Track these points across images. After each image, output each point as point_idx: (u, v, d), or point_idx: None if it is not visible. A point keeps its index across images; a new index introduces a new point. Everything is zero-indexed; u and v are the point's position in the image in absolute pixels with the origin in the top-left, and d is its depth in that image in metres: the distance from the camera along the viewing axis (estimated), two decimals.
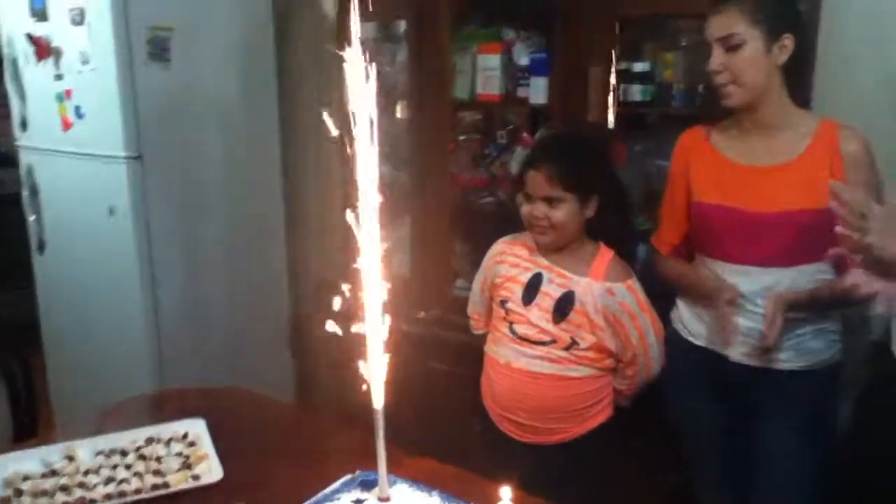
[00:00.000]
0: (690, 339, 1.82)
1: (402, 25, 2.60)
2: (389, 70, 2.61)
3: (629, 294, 1.79)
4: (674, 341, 1.85)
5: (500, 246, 1.96)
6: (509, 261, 1.90)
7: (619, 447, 1.87)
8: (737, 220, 1.69)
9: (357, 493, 1.29)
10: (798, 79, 1.70)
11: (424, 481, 1.35)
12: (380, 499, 1.26)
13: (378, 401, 1.23)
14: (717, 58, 1.61)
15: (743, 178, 1.69)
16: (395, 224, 2.70)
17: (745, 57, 1.59)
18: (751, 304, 1.67)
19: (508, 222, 2.27)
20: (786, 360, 1.69)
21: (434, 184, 2.43)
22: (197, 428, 1.62)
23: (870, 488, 1.53)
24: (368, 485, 1.30)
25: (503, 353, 1.85)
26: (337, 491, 1.30)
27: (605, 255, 1.83)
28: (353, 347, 1.25)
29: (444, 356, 2.41)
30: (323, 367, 3.11)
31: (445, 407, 2.28)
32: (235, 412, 1.75)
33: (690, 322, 1.83)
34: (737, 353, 1.70)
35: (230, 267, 2.95)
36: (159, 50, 2.66)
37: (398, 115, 2.73)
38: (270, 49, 2.99)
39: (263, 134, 3.01)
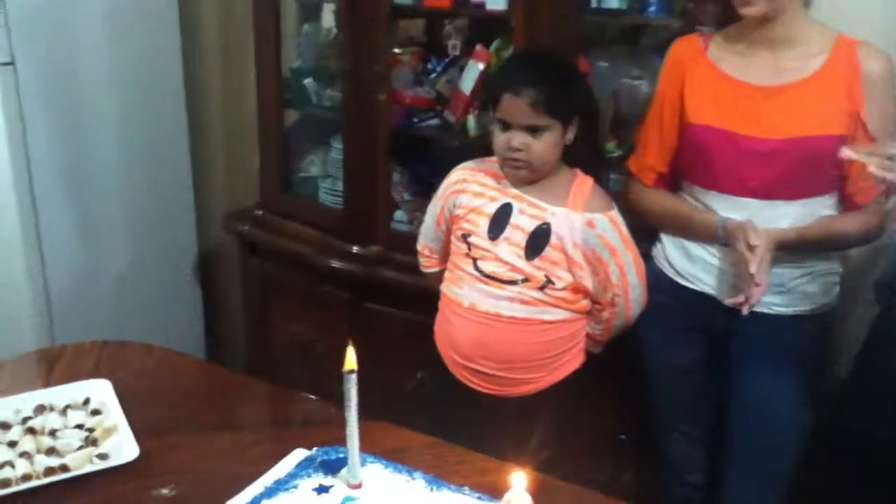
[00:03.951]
0: (676, 278, 1.65)
1: None
2: None
3: (611, 227, 1.58)
4: (657, 281, 1.67)
5: (460, 173, 1.73)
6: (472, 189, 1.67)
7: (590, 397, 1.70)
8: (734, 145, 1.52)
9: (319, 478, 1.03)
10: None
11: (396, 458, 1.10)
12: (350, 485, 1.01)
13: (351, 361, 0.97)
14: None
15: (745, 98, 1.52)
16: (324, 148, 2.40)
17: None
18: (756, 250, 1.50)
19: (458, 148, 2.04)
20: (780, 304, 1.56)
21: (369, 103, 2.12)
22: (101, 392, 1.32)
23: (871, 432, 1.46)
24: (333, 467, 1.05)
25: (467, 295, 1.63)
26: (293, 476, 1.04)
27: (584, 182, 1.62)
28: None
29: (383, 297, 2.15)
30: (234, 302, 2.83)
31: (384, 353, 2.04)
32: (147, 374, 1.45)
33: (677, 260, 1.65)
34: (732, 295, 1.53)
35: (125, 193, 2.58)
36: None
37: (325, 23, 2.41)
38: None
39: (161, 44, 2.61)
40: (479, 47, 2.04)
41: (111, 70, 2.48)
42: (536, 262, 1.58)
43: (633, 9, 1.88)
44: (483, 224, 1.63)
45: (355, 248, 2.20)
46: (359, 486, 1.01)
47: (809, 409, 1.60)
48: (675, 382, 1.74)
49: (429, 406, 1.80)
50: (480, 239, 1.63)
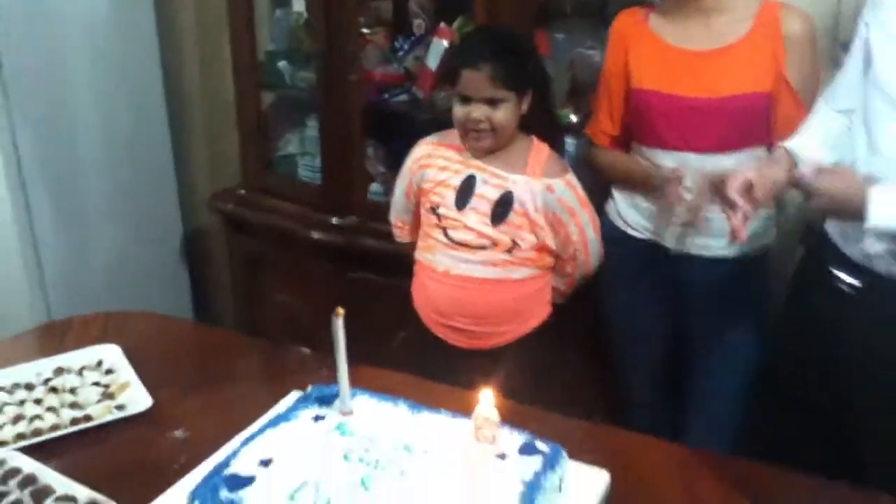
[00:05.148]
0: (628, 230, 1.80)
1: None
2: None
3: (568, 190, 1.72)
4: (611, 234, 1.81)
5: (424, 148, 1.83)
6: (437, 164, 1.78)
7: (560, 344, 1.84)
8: (676, 106, 1.65)
9: (315, 410, 1.17)
10: None
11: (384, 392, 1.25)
12: (342, 413, 1.16)
13: (339, 311, 1.11)
14: None
15: (682, 63, 1.65)
16: (300, 127, 2.52)
17: None
18: (689, 193, 1.64)
19: (427, 122, 2.16)
20: (720, 247, 1.68)
21: (342, 82, 2.24)
22: (112, 354, 1.45)
23: (805, 360, 1.57)
24: (326, 400, 1.19)
25: (441, 261, 1.76)
26: (292, 409, 1.18)
27: (541, 150, 1.74)
28: None
29: (364, 265, 2.29)
30: (221, 281, 2.95)
31: (367, 317, 2.17)
32: (151, 338, 1.58)
33: (628, 213, 1.79)
34: (676, 241, 1.69)
35: (110, 180, 2.67)
36: None
37: (296, 7, 2.51)
38: None
39: (138, 34, 2.70)
40: (442, 25, 2.16)
41: (92, 61, 2.55)
42: (502, 227, 1.70)
43: None
44: (450, 196, 1.74)
45: (335, 220, 2.33)
46: (350, 414, 1.15)
47: (759, 348, 1.73)
48: (634, 327, 1.87)
49: (410, 362, 1.94)
50: (448, 210, 1.73)
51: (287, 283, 2.54)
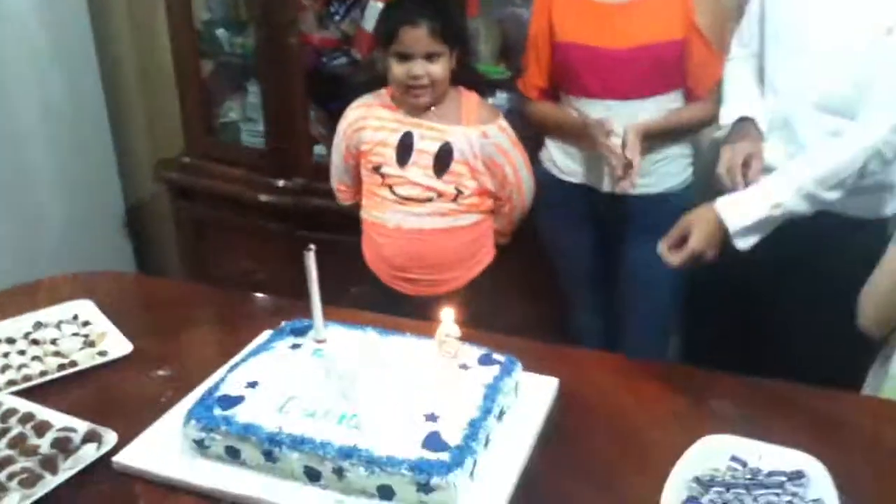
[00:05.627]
0: (561, 176, 1.95)
1: None
2: None
3: (501, 133, 1.85)
4: (545, 179, 1.96)
5: (357, 112, 1.90)
6: (372, 125, 1.86)
7: (507, 282, 1.99)
8: (595, 56, 1.79)
9: (291, 340, 1.29)
10: None
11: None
12: (316, 340, 1.27)
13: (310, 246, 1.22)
14: None
15: (600, 16, 1.78)
16: (240, 94, 2.58)
17: None
18: (616, 136, 1.80)
19: (367, 83, 2.24)
20: (646, 185, 1.85)
21: (282, 48, 2.31)
22: (85, 309, 1.53)
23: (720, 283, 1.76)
24: (300, 331, 1.30)
25: (391, 218, 1.85)
26: (269, 341, 1.29)
27: (470, 99, 1.86)
28: None
29: (313, 225, 2.38)
30: (166, 250, 2.99)
31: (319, 274, 2.27)
32: (122, 293, 1.66)
33: (560, 159, 1.94)
34: (607, 183, 1.84)
35: (50, 157, 2.69)
36: None
37: None
38: None
39: (69, 7, 2.70)
40: None
41: (22, 31, 2.54)
42: (445, 177, 1.81)
43: None
44: (390, 154, 1.83)
45: (281, 182, 2.41)
46: (323, 341, 1.27)
47: (681, 274, 1.94)
48: (573, 264, 2.04)
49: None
50: (391, 168, 1.83)
51: (237, 248, 2.61)
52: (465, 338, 1.23)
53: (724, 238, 1.48)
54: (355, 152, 1.91)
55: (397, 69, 1.77)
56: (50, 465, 1.08)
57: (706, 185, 1.96)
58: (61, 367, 1.33)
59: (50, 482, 1.06)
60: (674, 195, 1.89)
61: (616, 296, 2.01)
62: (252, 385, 1.17)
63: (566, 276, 2.07)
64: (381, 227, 1.88)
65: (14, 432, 1.15)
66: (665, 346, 2.04)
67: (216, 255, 2.68)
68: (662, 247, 1.52)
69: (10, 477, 1.06)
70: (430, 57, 1.75)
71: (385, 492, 1.02)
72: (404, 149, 1.82)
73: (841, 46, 1.48)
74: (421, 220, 1.84)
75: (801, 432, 1.17)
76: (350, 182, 2.00)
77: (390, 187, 1.84)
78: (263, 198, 2.43)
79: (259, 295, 1.64)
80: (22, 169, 2.60)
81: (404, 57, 1.75)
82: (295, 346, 1.27)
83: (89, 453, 1.11)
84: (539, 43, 1.88)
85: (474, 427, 1.07)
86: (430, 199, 1.82)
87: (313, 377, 1.17)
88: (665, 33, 1.73)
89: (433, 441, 1.04)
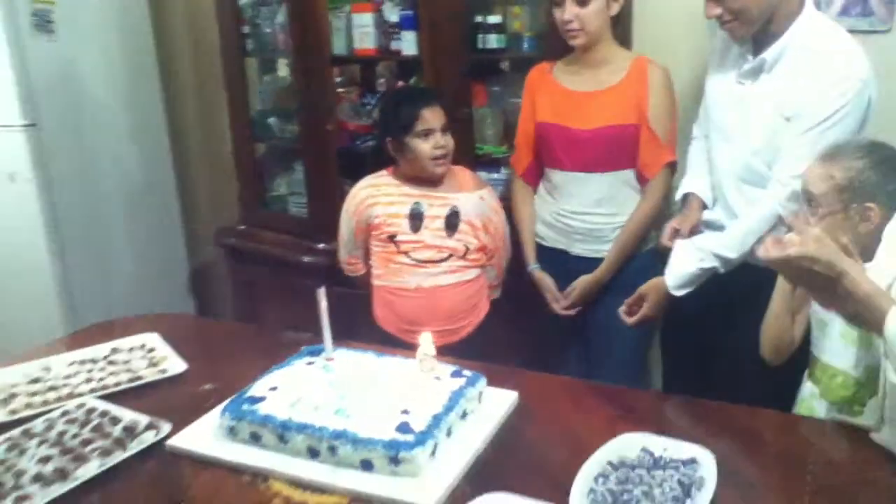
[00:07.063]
0: (537, 239, 2.29)
1: None
2: (269, 31, 2.87)
3: (490, 195, 2.23)
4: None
5: (366, 191, 2.16)
6: (382, 201, 2.12)
7: (503, 329, 2.30)
8: (566, 134, 2.13)
9: (307, 359, 1.64)
10: (621, 24, 2.18)
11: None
12: (326, 359, 1.62)
13: (321, 283, 1.58)
14: (570, 10, 2.02)
15: (572, 101, 2.13)
16: (288, 172, 3.01)
17: (592, 10, 2.02)
18: (583, 206, 2.14)
19: (390, 162, 2.62)
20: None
21: (321, 132, 2.73)
22: (152, 339, 1.91)
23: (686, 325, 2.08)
24: (315, 352, 1.66)
25: (410, 280, 2.11)
26: (290, 360, 1.65)
27: (465, 171, 2.22)
28: None
29: (344, 282, 2.73)
30: (224, 306, 3.38)
31: (350, 326, 2.61)
32: (183, 330, 2.04)
33: (539, 228, 2.29)
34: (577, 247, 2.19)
35: (128, 225, 3.17)
36: (43, 22, 2.82)
37: (280, 73, 3.03)
38: (146, 21, 3.22)
39: (147, 101, 3.24)
40: (400, 83, 2.68)
41: (114, 126, 3.07)
42: (456, 236, 2.13)
43: (511, 47, 2.52)
44: (404, 223, 2.10)
45: (321, 245, 2.80)
46: (331, 359, 1.61)
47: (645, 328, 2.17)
48: (551, 317, 2.29)
49: None
50: (406, 235, 2.10)
51: (282, 303, 2.98)
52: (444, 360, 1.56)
53: (672, 299, 1.87)
54: (365, 226, 2.16)
55: (423, 144, 2.05)
56: (120, 444, 1.44)
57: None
58: (131, 380, 1.71)
59: (119, 455, 1.42)
60: (639, 256, 2.18)
61: (591, 346, 2.27)
62: (273, 389, 1.52)
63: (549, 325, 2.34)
64: (402, 289, 2.13)
65: (95, 422, 1.52)
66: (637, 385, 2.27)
67: (264, 309, 3.07)
68: (621, 311, 1.94)
69: (92, 451, 1.42)
70: (444, 129, 2.08)
71: (366, 464, 1.34)
72: (415, 217, 2.11)
73: (753, 133, 1.82)
74: (438, 279, 2.11)
75: (709, 437, 1.40)
76: (359, 255, 2.25)
77: (407, 253, 2.12)
78: (306, 259, 2.82)
79: (289, 332, 1.99)
80: (102, 237, 3.07)
81: (427, 133, 2.06)
82: (309, 363, 1.62)
83: (149, 438, 1.47)
84: (526, 125, 2.25)
85: (437, 419, 1.39)
86: (444, 259, 2.11)
87: (319, 384, 1.52)
88: (621, 118, 2.07)
89: (404, 427, 1.36)
